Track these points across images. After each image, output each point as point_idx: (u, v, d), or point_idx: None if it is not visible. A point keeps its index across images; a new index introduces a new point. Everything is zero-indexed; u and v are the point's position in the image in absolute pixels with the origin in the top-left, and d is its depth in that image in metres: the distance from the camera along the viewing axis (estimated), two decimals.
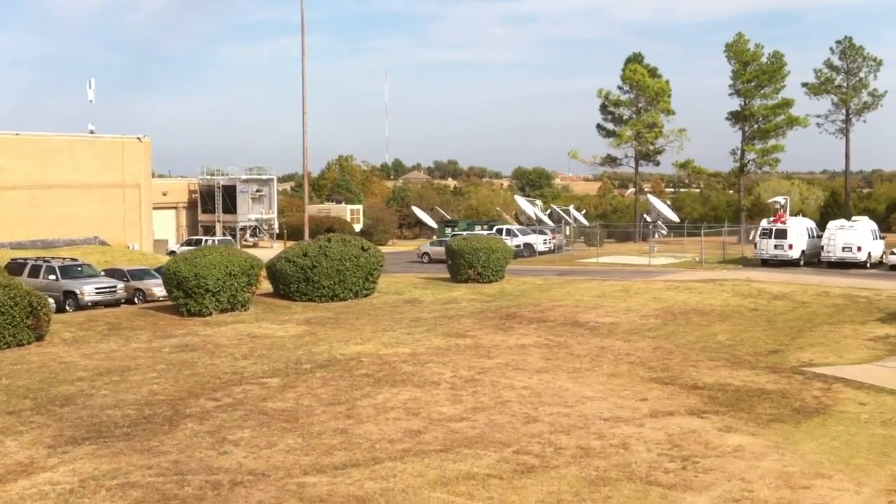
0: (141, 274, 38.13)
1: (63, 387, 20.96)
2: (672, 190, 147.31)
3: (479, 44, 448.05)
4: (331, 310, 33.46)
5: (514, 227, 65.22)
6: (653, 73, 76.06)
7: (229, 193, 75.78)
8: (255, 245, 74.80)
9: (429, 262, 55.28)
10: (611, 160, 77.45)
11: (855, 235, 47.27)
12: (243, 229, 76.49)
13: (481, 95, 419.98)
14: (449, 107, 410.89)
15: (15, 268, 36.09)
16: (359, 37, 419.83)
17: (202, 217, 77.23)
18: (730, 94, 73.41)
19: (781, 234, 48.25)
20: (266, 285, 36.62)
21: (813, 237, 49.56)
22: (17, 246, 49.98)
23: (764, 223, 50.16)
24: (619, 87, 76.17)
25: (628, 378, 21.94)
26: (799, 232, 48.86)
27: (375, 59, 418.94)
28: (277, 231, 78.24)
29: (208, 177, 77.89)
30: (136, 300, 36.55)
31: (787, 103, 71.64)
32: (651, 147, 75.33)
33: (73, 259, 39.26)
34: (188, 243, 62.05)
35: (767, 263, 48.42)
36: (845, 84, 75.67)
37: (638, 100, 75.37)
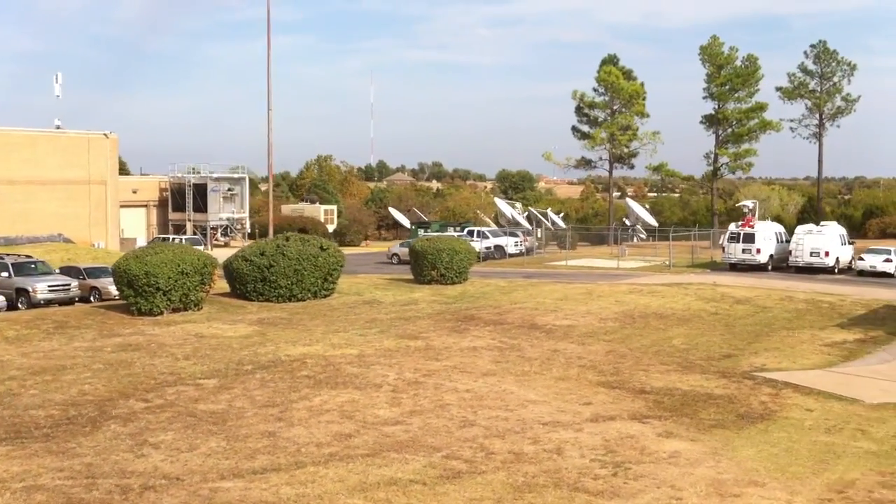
0: (97, 272, 37.44)
1: None
2: (655, 194, 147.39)
3: (466, 45, 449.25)
4: (286, 310, 32.88)
5: (486, 228, 64.79)
6: (628, 75, 75.68)
7: (200, 192, 74.94)
8: (226, 244, 74.03)
9: (398, 263, 54.80)
10: (585, 162, 76.99)
11: (823, 240, 47.08)
12: (214, 228, 75.69)
13: (467, 97, 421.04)
14: (435, 108, 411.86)
15: None
16: (346, 37, 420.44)
17: (173, 216, 76.39)
18: (704, 98, 73.20)
19: (750, 238, 48.01)
20: (223, 284, 36.04)
21: (782, 241, 49.36)
22: None
23: (732, 227, 49.93)
24: (595, 89, 75.81)
25: (576, 382, 21.50)
26: (767, 236, 48.64)
27: (362, 59, 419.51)
28: (249, 230, 77.53)
29: (179, 175, 77.05)
30: (91, 298, 35.92)
31: (761, 107, 71.41)
32: (625, 150, 74.88)
33: (28, 256, 38.56)
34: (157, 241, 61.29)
35: (736, 268, 48.16)
36: (819, 88, 75.66)
37: (612, 102, 74.94)
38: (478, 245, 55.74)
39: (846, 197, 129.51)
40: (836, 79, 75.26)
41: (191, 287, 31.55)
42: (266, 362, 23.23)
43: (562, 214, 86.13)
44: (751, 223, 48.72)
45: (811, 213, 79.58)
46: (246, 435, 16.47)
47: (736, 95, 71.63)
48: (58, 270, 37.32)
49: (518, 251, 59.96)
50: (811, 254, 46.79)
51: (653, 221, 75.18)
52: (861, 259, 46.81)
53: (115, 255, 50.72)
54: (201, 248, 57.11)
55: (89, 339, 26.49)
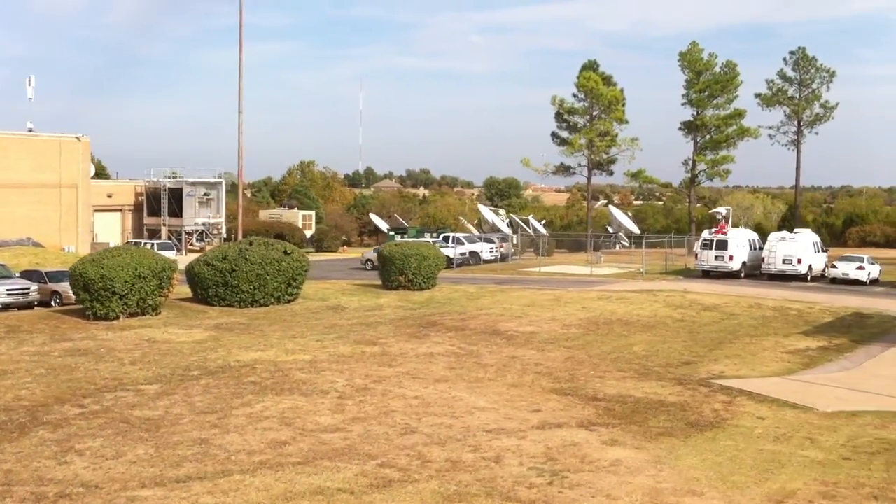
0: (59, 276, 36.78)
1: None
2: (641, 202, 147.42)
3: (457, 53, 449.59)
4: (247, 315, 32.38)
5: (461, 234, 64.42)
6: (607, 81, 75.35)
7: (176, 197, 74.29)
8: (201, 250, 73.36)
9: (371, 268, 54.15)
10: (564, 168, 76.59)
11: (795, 247, 46.86)
12: (190, 233, 75.04)
13: (458, 104, 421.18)
14: (425, 115, 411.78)
15: None
16: (337, 43, 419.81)
17: (148, 220, 75.68)
18: (683, 104, 73.14)
19: (722, 245, 47.72)
20: (185, 289, 35.53)
21: (755, 249, 49.11)
22: None
23: (705, 234, 49.67)
24: (574, 95, 75.51)
25: (529, 389, 21.10)
26: (740, 243, 48.38)
27: (353, 66, 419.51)
28: (226, 235, 76.88)
29: (155, 179, 76.39)
30: (52, 303, 35.32)
31: (739, 114, 71.35)
32: (604, 156, 74.57)
33: None
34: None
35: (708, 275, 47.87)
36: (798, 95, 75.63)
37: (592, 108, 74.64)
38: (453, 251, 55.40)
39: (829, 206, 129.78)
40: (814, 86, 75.37)
41: (148, 291, 31.02)
42: (214, 368, 22.74)
43: (544, 221, 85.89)
44: (724, 230, 48.44)
45: (791, 220, 79.52)
46: (177, 442, 15.99)
47: (714, 102, 71.61)
48: (18, 274, 36.72)
49: (493, 257, 59.57)
50: (784, 261, 46.56)
51: (635, 229, 74.95)
52: (834, 266, 46.61)
53: None
54: (172, 252, 56.73)
55: (38, 344, 25.95)
